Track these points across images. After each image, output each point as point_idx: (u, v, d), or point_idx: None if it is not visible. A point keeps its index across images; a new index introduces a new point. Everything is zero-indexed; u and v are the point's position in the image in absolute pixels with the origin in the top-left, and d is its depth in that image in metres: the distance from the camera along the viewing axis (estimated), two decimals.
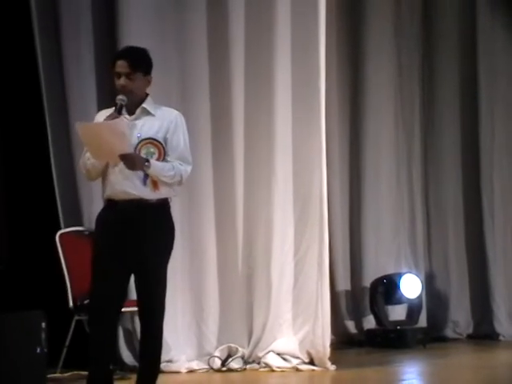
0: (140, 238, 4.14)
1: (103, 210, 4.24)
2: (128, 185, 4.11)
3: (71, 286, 5.70)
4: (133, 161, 4.05)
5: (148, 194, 4.14)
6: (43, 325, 5.16)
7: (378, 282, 7.36)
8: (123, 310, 5.77)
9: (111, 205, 4.18)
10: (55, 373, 5.57)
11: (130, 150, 4.06)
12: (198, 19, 6.03)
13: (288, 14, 5.98)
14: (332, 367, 5.85)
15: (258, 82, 6.03)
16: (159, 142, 4.15)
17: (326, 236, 5.90)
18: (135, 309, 5.86)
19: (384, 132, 7.61)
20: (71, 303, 5.66)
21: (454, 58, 7.80)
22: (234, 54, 6.03)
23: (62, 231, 5.83)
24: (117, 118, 4.08)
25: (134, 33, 5.86)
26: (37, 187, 6.09)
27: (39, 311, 5.19)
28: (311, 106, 5.92)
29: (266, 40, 5.99)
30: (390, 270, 7.46)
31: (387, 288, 7.32)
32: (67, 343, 5.61)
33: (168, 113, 4.25)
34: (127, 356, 5.86)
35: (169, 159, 4.16)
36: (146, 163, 4.07)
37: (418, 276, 7.42)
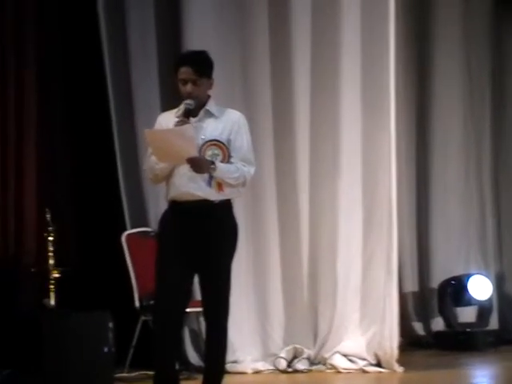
0: (204, 238, 4.15)
1: (167, 211, 4.27)
2: (193, 186, 4.13)
3: (137, 287, 5.75)
4: (199, 164, 4.08)
5: (212, 195, 4.16)
6: (110, 325, 5.22)
7: (446, 283, 7.24)
8: (189, 310, 5.83)
9: (175, 206, 4.20)
10: (122, 372, 5.62)
11: (196, 154, 4.09)
12: (260, 20, 6.02)
13: (356, 14, 5.91)
14: (400, 369, 5.76)
15: (323, 83, 5.98)
16: (223, 144, 4.17)
17: (395, 236, 5.82)
18: (201, 309, 5.91)
19: (453, 133, 7.48)
20: (137, 303, 5.71)
21: None
22: (298, 54, 5.99)
23: (128, 232, 5.89)
24: (185, 122, 4.12)
25: (196, 35, 5.89)
26: (103, 189, 6.17)
27: (106, 311, 5.26)
28: (380, 107, 5.85)
29: (332, 39, 5.94)
30: (459, 271, 7.33)
31: (456, 289, 7.19)
32: (134, 343, 5.66)
33: (231, 114, 4.28)
34: (193, 356, 5.88)
35: (232, 160, 4.18)
36: (212, 166, 4.10)
37: (487, 277, 7.27)
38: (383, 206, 5.84)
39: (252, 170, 4.24)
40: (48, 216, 5.38)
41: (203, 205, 4.14)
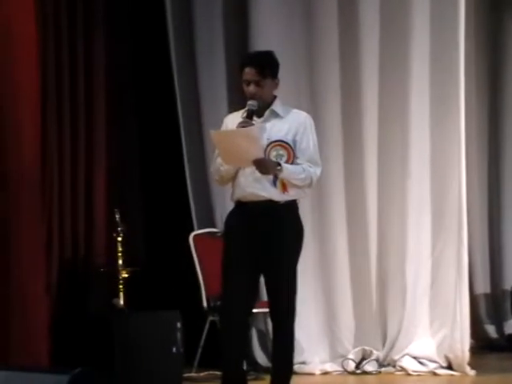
0: (269, 239, 4.15)
1: (232, 212, 4.28)
2: (258, 187, 4.14)
3: (205, 287, 5.77)
4: (266, 166, 4.08)
5: (277, 195, 4.15)
6: (178, 325, 5.25)
7: None
8: (256, 310, 5.82)
9: (240, 207, 4.20)
10: (190, 372, 5.65)
11: (262, 155, 4.07)
12: (328, 22, 5.97)
13: (426, 15, 5.82)
14: (471, 372, 5.65)
15: (392, 83, 5.90)
16: (288, 145, 4.16)
17: (465, 236, 5.71)
18: (267, 310, 5.90)
19: None
20: (205, 304, 5.73)
21: None
22: (367, 55, 5.92)
23: (196, 233, 5.92)
24: (249, 123, 4.11)
25: (263, 36, 5.89)
26: (171, 190, 6.21)
27: (175, 312, 5.29)
28: (449, 108, 5.74)
29: (401, 41, 5.85)
30: None
31: None
32: (202, 343, 5.68)
33: (297, 115, 4.26)
34: (261, 357, 5.87)
35: (299, 161, 4.16)
36: (278, 167, 4.09)
37: None
38: (453, 206, 5.74)
39: (318, 170, 4.21)
40: (117, 217, 5.44)
41: (268, 205, 4.14)
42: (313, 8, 6.00)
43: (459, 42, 5.68)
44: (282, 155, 4.14)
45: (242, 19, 6.02)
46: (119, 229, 5.43)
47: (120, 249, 5.42)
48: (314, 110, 5.95)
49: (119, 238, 5.43)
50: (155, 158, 6.29)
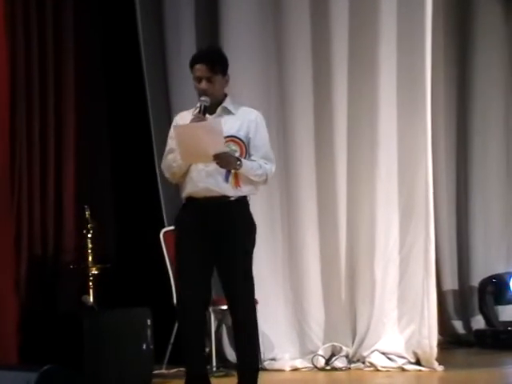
0: (220, 235, 4.15)
1: (183, 207, 4.26)
2: (211, 182, 4.14)
3: (175, 283, 5.76)
4: (227, 160, 4.09)
5: (230, 190, 4.16)
6: (149, 322, 5.24)
7: (487, 281, 7.15)
8: (226, 307, 5.83)
9: (192, 202, 4.19)
10: (161, 369, 5.65)
11: (224, 148, 4.07)
12: (299, 21, 5.99)
13: (393, 11, 5.85)
14: (439, 368, 5.70)
15: (361, 77, 5.93)
16: (241, 140, 4.17)
17: (432, 232, 5.76)
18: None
19: (493, 127, 7.37)
20: (175, 300, 5.72)
21: None
22: (337, 56, 5.94)
23: (166, 229, 5.91)
24: (202, 119, 4.11)
25: (234, 33, 5.90)
26: (142, 187, 6.20)
27: (145, 308, 5.28)
28: (416, 101, 5.77)
29: (370, 37, 5.88)
30: (500, 269, 7.23)
31: (497, 287, 7.09)
32: (172, 340, 5.68)
33: (248, 112, 4.27)
34: (231, 353, 5.88)
35: (253, 158, 4.18)
36: (238, 162, 4.10)
37: None
38: (420, 204, 5.79)
39: (273, 167, 4.24)
40: (87, 213, 5.42)
41: (220, 201, 4.14)
42: (284, 7, 6.02)
43: (426, 45, 5.71)
44: (234, 151, 4.15)
45: (212, 18, 6.03)
46: (89, 225, 5.41)
47: (90, 245, 5.40)
48: (284, 109, 5.98)
49: (89, 235, 5.42)
50: (125, 154, 6.27)
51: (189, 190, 4.21)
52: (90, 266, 5.38)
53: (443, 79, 7.03)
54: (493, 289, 7.10)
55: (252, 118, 4.23)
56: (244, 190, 4.19)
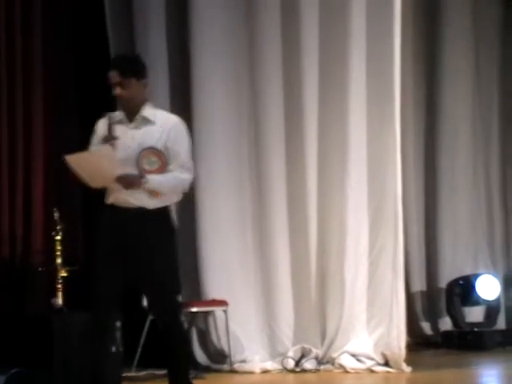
0: (139, 242, 4.09)
1: (105, 211, 4.21)
2: (128, 193, 4.08)
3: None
4: (128, 181, 4.04)
5: (148, 202, 4.10)
6: (118, 324, 5.21)
7: (454, 283, 7.23)
8: (196, 310, 5.82)
9: (112, 209, 4.15)
10: (130, 372, 5.62)
11: (120, 172, 4.01)
12: (270, 30, 6.01)
13: (363, 20, 5.90)
14: (407, 369, 5.75)
15: (331, 87, 5.97)
16: (160, 151, 4.10)
17: (401, 236, 5.81)
18: (209, 309, 5.91)
19: (460, 131, 7.48)
20: (145, 302, 5.70)
21: None
22: (308, 60, 5.98)
23: None
24: (111, 138, 4.04)
25: (204, 34, 5.91)
26: None
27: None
28: (386, 110, 5.84)
29: (340, 46, 5.93)
30: (467, 271, 7.32)
31: (464, 289, 7.18)
32: (142, 342, 5.66)
33: (168, 120, 4.20)
34: (200, 356, 5.88)
35: (171, 167, 4.12)
36: (143, 179, 4.04)
37: (495, 277, 7.26)
38: (390, 208, 5.84)
39: (190, 176, 4.16)
40: (56, 215, 5.39)
41: (139, 212, 4.08)
42: (254, 13, 6.03)
43: (395, 54, 5.77)
44: (154, 162, 4.09)
45: (182, 21, 6.02)
46: (58, 228, 5.38)
47: (59, 248, 5.37)
48: (255, 113, 6.00)
49: (58, 237, 5.38)
50: None
51: (111, 198, 4.16)
52: (58, 268, 5.35)
53: (412, 88, 7.10)
54: (460, 290, 7.18)
55: (171, 125, 4.15)
56: (164, 200, 4.12)
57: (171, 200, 4.19)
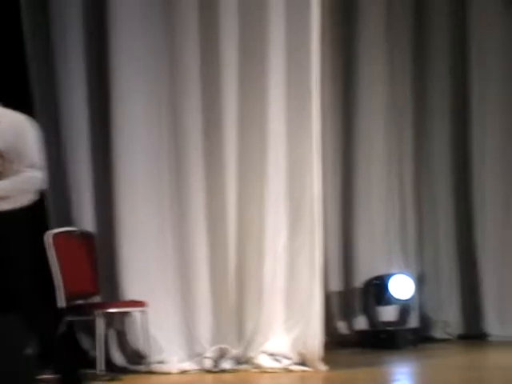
0: None
1: None
2: None
3: (62, 287, 5.68)
4: None
5: None
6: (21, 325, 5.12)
7: (369, 283, 7.38)
8: (113, 311, 5.78)
9: None
10: (46, 374, 5.54)
11: None
12: (188, 23, 6.01)
13: (281, 26, 5.96)
14: (324, 368, 5.84)
15: (251, 86, 6.01)
16: (4, 152, 4.04)
17: (319, 237, 5.90)
18: (127, 310, 5.88)
19: (375, 135, 7.64)
20: (62, 303, 5.64)
21: (445, 61, 7.85)
22: (226, 70, 5.99)
23: (53, 232, 5.81)
24: None
25: (123, 39, 5.87)
26: None
27: None
28: (304, 109, 5.91)
29: (259, 49, 5.96)
30: (383, 271, 7.48)
31: (378, 289, 7.34)
32: (56, 344, 5.58)
33: (14, 119, 4.14)
34: (117, 357, 5.84)
35: (17, 167, 4.06)
36: None
37: (409, 277, 7.44)
38: (308, 208, 5.92)
39: (39, 173, 4.11)
40: None
41: None
42: (173, 14, 6.02)
43: (312, 59, 5.85)
44: None
45: (101, 36, 5.96)
46: None
47: None
48: (175, 111, 5.99)
49: None
50: None
51: None
52: None
53: (329, 93, 7.21)
54: (374, 290, 7.34)
55: (17, 124, 4.09)
56: (17, 201, 4.07)
57: (21, 201, 4.10)
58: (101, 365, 5.57)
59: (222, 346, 5.92)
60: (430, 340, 7.48)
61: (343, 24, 7.51)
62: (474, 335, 7.63)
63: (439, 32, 7.84)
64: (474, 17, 7.75)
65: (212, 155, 6.04)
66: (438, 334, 7.64)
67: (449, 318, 7.67)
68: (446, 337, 7.63)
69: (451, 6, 7.86)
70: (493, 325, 7.59)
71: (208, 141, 6.03)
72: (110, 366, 5.70)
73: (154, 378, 5.46)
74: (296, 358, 5.89)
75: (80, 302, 5.78)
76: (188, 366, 5.85)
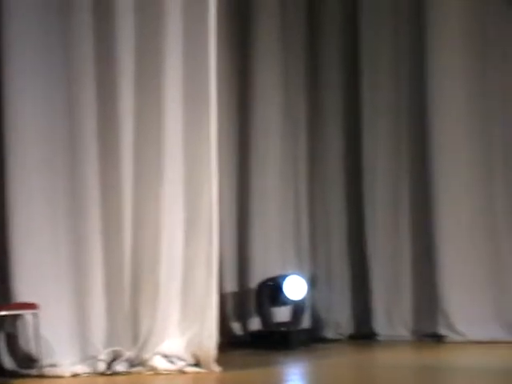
0: None
1: None
2: None
3: None
4: None
5: None
6: None
7: (263, 284, 7.47)
8: (4, 313, 5.66)
9: None
10: None
11: None
12: (83, 25, 5.95)
13: (179, 34, 5.98)
14: (217, 369, 5.88)
15: (147, 90, 6.00)
16: None
17: (216, 239, 5.94)
18: (18, 312, 5.76)
19: (271, 137, 7.76)
20: None
21: (339, 70, 8.04)
22: (122, 62, 5.96)
23: None
24: None
25: (16, 38, 5.76)
26: None
27: None
28: (202, 113, 5.95)
29: (156, 52, 5.97)
30: (277, 272, 7.58)
31: (272, 290, 7.43)
32: None
33: None
34: (8, 361, 5.72)
35: None
36: None
37: (302, 278, 7.56)
38: (204, 210, 5.95)
39: None
40: None
41: None
42: (67, 13, 5.95)
43: (210, 62, 5.90)
44: None
45: None
46: None
47: None
48: (70, 113, 5.92)
49: None
50: None
51: None
52: None
53: (225, 99, 7.27)
54: (268, 291, 7.43)
55: None
56: None
57: None
58: None
59: (116, 348, 5.88)
60: (322, 340, 7.63)
61: (239, 34, 7.60)
62: (364, 335, 7.83)
63: (332, 40, 8.02)
64: (364, 25, 7.96)
65: (107, 157, 5.98)
66: (329, 334, 7.80)
67: (340, 318, 7.84)
68: (337, 337, 7.80)
69: (343, 14, 8.05)
70: (382, 325, 7.81)
71: (103, 140, 5.98)
72: (0, 371, 5.57)
73: (45, 381, 5.37)
74: (190, 360, 5.91)
75: None
76: (80, 369, 5.78)
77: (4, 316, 5.63)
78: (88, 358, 5.84)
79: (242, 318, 7.52)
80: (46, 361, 5.69)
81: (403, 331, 7.75)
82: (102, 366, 5.82)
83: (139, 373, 5.84)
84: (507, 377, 5.68)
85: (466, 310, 7.48)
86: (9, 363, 5.70)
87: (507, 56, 7.66)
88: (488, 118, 7.69)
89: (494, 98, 7.67)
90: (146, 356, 5.89)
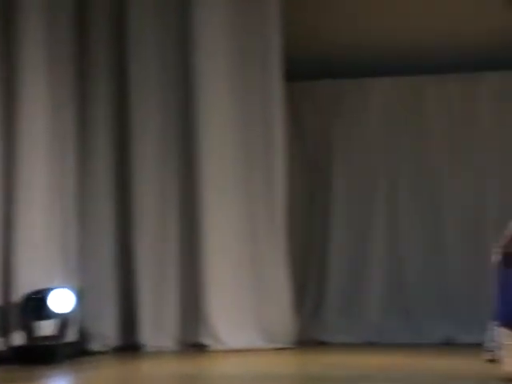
0: None
1: None
2: None
3: None
4: None
5: None
6: None
7: (28, 298, 7.33)
8: None
9: None
10: None
11: None
12: None
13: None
14: None
15: None
16: None
17: None
18: None
19: (37, 146, 7.63)
20: None
21: (108, 86, 8.09)
22: None
23: None
24: None
25: None
26: None
27: None
28: None
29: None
30: (43, 285, 7.46)
31: (37, 303, 7.31)
32: None
33: None
34: None
35: None
36: None
37: (69, 290, 7.51)
38: None
39: None
40: None
41: None
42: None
43: None
44: None
45: None
46: None
47: None
48: None
49: None
50: None
51: None
52: None
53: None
54: (33, 304, 7.30)
55: None
56: None
57: None
58: None
59: None
60: (89, 353, 7.61)
61: (2, 44, 7.41)
62: (130, 346, 7.91)
63: (100, 53, 8.05)
64: (132, 41, 8.07)
65: None
66: (96, 346, 7.80)
67: (106, 330, 7.87)
68: (104, 349, 7.82)
69: (111, 27, 8.11)
70: (148, 336, 7.93)
71: None
72: None
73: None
74: None
75: None
76: None
77: None
78: None
79: (6, 332, 7.33)
80: None
81: (169, 342, 7.93)
82: None
83: None
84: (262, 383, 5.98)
85: (227, 318, 7.78)
86: None
87: None
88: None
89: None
90: None
